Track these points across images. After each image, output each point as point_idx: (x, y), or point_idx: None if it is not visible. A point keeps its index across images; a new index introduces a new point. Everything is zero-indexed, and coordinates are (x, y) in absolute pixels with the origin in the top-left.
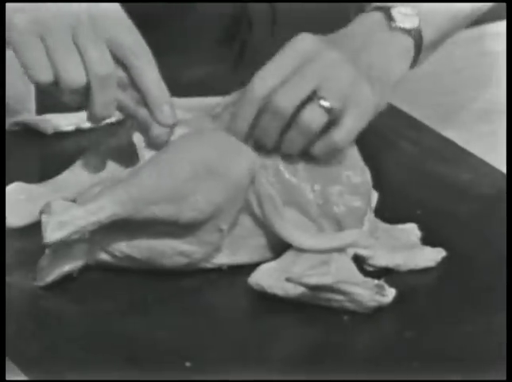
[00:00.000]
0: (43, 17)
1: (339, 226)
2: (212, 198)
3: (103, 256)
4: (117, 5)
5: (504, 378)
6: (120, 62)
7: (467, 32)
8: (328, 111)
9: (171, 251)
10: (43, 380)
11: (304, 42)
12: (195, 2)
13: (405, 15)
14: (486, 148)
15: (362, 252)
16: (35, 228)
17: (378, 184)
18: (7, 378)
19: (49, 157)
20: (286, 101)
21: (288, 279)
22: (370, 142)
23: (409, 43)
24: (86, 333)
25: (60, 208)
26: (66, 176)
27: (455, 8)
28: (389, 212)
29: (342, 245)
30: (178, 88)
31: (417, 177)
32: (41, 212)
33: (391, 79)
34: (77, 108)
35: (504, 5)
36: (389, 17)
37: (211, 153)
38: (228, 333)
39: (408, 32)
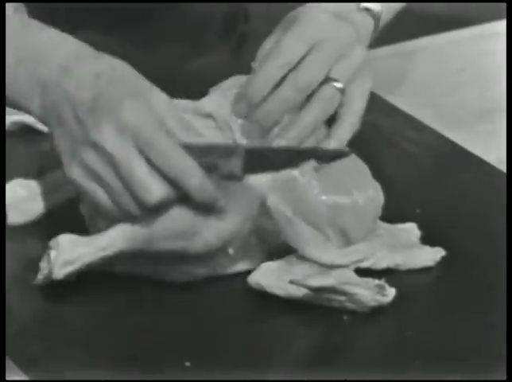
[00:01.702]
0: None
1: (345, 237)
2: (220, 234)
3: (108, 268)
4: None
5: (504, 378)
6: None
7: (467, 31)
8: (341, 91)
9: (176, 271)
10: (43, 380)
11: (321, 18)
12: (195, 2)
13: None
14: (486, 147)
15: (365, 264)
16: (36, 226)
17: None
18: (7, 378)
19: (48, 156)
20: (311, 75)
21: (291, 282)
22: (370, 142)
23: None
24: (86, 333)
25: (68, 244)
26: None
27: None
28: (388, 212)
29: (351, 262)
30: (178, 80)
31: (417, 176)
32: (49, 248)
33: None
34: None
35: (504, 5)
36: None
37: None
38: (228, 333)
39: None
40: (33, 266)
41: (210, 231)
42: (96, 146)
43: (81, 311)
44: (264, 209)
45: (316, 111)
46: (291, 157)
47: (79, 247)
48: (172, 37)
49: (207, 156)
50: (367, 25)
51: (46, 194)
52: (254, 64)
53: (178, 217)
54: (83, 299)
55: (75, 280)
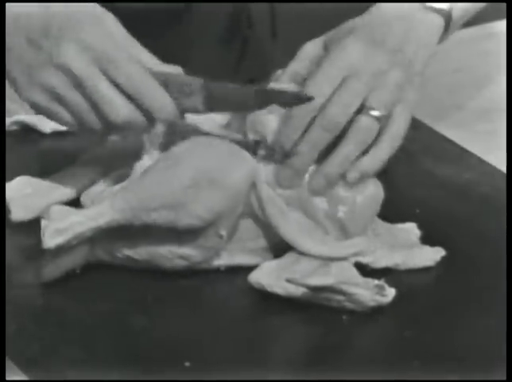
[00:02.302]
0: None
1: (344, 230)
2: (211, 206)
3: (104, 256)
4: None
5: (504, 378)
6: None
7: (467, 31)
8: (379, 119)
9: (170, 254)
10: (43, 380)
11: (352, 50)
12: (195, 2)
13: None
14: (486, 147)
15: (364, 260)
16: (39, 222)
17: None
18: (7, 378)
19: (48, 156)
20: (341, 113)
21: (289, 280)
22: None
23: (439, 23)
24: (86, 333)
25: (59, 213)
26: (72, 170)
27: None
28: (388, 211)
29: (349, 254)
30: None
31: (417, 176)
32: (41, 217)
33: (425, 67)
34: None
35: (504, 5)
36: None
37: (211, 161)
38: (228, 333)
39: (439, 11)
40: (36, 263)
41: (199, 203)
42: (59, 68)
43: (81, 311)
44: (257, 199)
45: (351, 145)
46: (253, 97)
47: (70, 216)
48: (175, 40)
49: (167, 88)
50: (434, 25)
51: (50, 191)
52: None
53: (167, 186)
54: (83, 299)
55: (75, 278)
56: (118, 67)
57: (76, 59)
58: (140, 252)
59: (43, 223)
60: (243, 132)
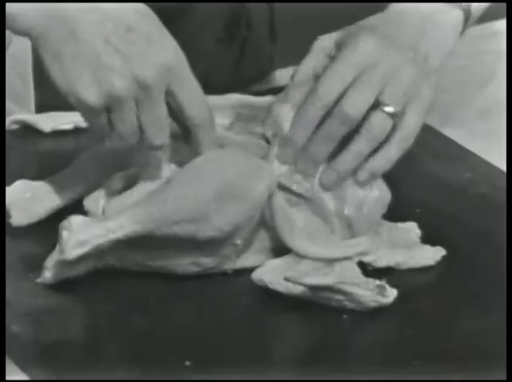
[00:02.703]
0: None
1: (350, 229)
2: (232, 219)
3: (114, 261)
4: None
5: (504, 378)
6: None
7: (467, 31)
8: (392, 115)
9: (184, 261)
10: (43, 380)
11: (365, 46)
12: (194, 2)
13: None
14: (487, 146)
15: (367, 258)
16: (39, 227)
17: None
18: (7, 378)
19: (48, 155)
20: (355, 107)
21: (286, 279)
22: None
23: (460, 18)
24: (86, 333)
25: (80, 224)
26: (72, 171)
27: None
28: (388, 211)
29: (354, 254)
30: None
31: (417, 175)
32: (62, 228)
33: (443, 63)
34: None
35: (504, 5)
36: None
37: (234, 174)
38: (228, 333)
39: (459, 6)
40: (36, 266)
41: (222, 217)
42: (137, 79)
43: (82, 311)
44: (269, 206)
45: (363, 142)
46: None
47: (91, 228)
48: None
49: None
50: (455, 20)
51: (50, 195)
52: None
53: (192, 200)
54: (84, 299)
55: (75, 279)
56: (188, 89)
57: (154, 75)
58: (154, 260)
59: (64, 234)
60: (248, 132)
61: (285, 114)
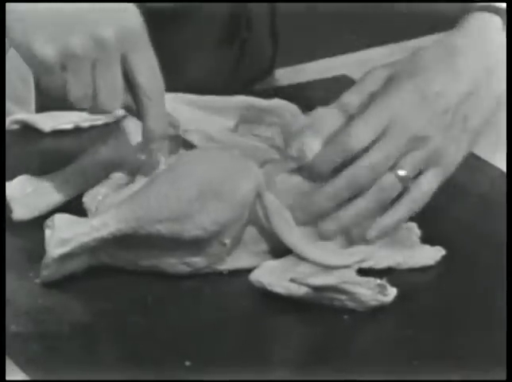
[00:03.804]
0: (72, 48)
1: (348, 237)
2: (217, 218)
3: (107, 259)
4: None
5: (504, 378)
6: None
7: None
8: (404, 180)
9: (174, 260)
10: (43, 380)
11: (396, 103)
12: (194, 2)
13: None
14: (486, 146)
15: (365, 264)
16: (40, 223)
17: None
18: (7, 378)
19: (48, 155)
20: (366, 175)
21: (292, 280)
22: None
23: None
24: (86, 333)
25: (64, 223)
26: (73, 168)
27: None
28: None
29: (353, 263)
30: (178, 85)
31: None
32: (45, 227)
33: (486, 121)
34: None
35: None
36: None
37: (217, 172)
38: (228, 333)
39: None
40: (37, 263)
41: (205, 214)
42: (93, 38)
43: (81, 311)
44: (263, 208)
45: (371, 202)
46: None
47: (74, 226)
48: (174, 41)
49: None
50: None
51: (52, 190)
52: None
53: (174, 199)
54: (84, 299)
55: (75, 279)
56: (140, 53)
57: (112, 36)
58: (143, 259)
59: (47, 232)
60: (252, 135)
61: (314, 146)
